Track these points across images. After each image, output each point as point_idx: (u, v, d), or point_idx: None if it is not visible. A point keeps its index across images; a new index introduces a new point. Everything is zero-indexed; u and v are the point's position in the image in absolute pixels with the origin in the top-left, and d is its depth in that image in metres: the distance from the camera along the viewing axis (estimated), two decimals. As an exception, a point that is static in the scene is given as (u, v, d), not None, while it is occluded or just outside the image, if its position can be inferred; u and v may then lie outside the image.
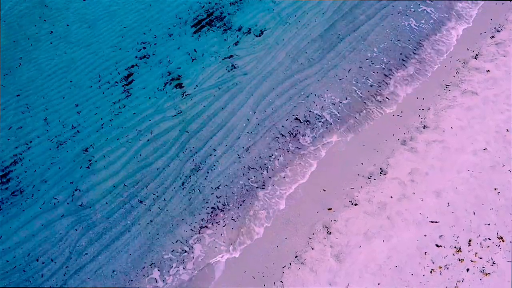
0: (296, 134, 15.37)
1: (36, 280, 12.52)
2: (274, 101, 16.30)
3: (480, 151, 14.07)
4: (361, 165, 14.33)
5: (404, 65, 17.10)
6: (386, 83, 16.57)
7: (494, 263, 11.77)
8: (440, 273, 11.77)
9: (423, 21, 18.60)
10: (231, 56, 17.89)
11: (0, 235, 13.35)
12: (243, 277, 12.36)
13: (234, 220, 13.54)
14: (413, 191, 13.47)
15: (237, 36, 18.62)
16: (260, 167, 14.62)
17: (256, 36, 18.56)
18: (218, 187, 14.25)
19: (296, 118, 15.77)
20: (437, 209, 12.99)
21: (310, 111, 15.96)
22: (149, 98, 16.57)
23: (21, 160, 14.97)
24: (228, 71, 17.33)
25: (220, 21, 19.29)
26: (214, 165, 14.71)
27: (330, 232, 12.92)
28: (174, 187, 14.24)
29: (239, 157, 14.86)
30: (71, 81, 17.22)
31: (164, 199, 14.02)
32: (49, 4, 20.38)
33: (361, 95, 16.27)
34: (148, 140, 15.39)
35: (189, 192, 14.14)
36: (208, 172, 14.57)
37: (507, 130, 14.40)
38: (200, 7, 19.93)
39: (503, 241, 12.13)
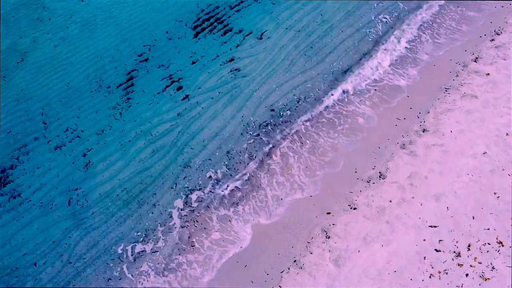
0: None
1: (34, 285, 12.47)
2: (273, 104, 16.27)
3: (480, 154, 14.01)
4: (360, 168, 14.28)
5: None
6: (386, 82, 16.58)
7: (493, 268, 11.70)
8: (439, 278, 11.71)
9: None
10: (231, 59, 17.88)
11: (-2, 239, 13.37)
12: (242, 282, 12.30)
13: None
14: (412, 195, 13.42)
15: (237, 38, 18.62)
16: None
17: (256, 38, 18.55)
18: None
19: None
20: (436, 213, 12.92)
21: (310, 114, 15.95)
22: (149, 101, 16.55)
23: (19, 163, 14.96)
24: (228, 74, 17.32)
25: (220, 23, 19.29)
26: (212, 168, 14.68)
27: (329, 237, 12.87)
28: (173, 190, 14.21)
29: (236, 159, 14.84)
30: (68, 84, 17.20)
31: (163, 202, 13.98)
32: (48, 6, 20.38)
33: (362, 96, 16.27)
34: (147, 142, 15.37)
35: (187, 195, 14.11)
36: (206, 175, 14.53)
37: (507, 134, 14.34)
38: (200, 10, 19.93)
39: (502, 245, 12.07)
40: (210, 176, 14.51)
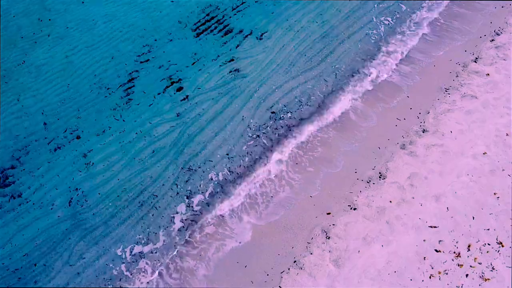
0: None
1: (34, 285, 12.49)
2: (273, 105, 16.28)
3: (480, 155, 14.02)
4: (360, 169, 14.28)
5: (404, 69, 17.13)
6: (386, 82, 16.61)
7: (493, 269, 11.71)
8: (439, 279, 11.71)
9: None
10: (232, 59, 17.88)
11: (-2, 239, 13.38)
12: (242, 282, 12.31)
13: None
14: (412, 195, 13.42)
15: (238, 39, 18.63)
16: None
17: (257, 39, 18.56)
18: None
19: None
20: (436, 214, 12.93)
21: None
22: (149, 101, 16.57)
23: (19, 164, 14.97)
24: (228, 74, 17.33)
25: (221, 24, 19.30)
26: (212, 169, 14.69)
27: (329, 237, 12.87)
28: (173, 191, 14.22)
29: (235, 161, 14.85)
30: (68, 84, 17.21)
31: (163, 202, 13.99)
32: (48, 6, 20.41)
33: (361, 96, 16.31)
34: (147, 143, 15.37)
35: (188, 196, 14.12)
36: (205, 176, 14.54)
37: (507, 134, 14.35)
38: (201, 10, 19.94)
39: (502, 246, 12.08)
40: (212, 178, 14.51)
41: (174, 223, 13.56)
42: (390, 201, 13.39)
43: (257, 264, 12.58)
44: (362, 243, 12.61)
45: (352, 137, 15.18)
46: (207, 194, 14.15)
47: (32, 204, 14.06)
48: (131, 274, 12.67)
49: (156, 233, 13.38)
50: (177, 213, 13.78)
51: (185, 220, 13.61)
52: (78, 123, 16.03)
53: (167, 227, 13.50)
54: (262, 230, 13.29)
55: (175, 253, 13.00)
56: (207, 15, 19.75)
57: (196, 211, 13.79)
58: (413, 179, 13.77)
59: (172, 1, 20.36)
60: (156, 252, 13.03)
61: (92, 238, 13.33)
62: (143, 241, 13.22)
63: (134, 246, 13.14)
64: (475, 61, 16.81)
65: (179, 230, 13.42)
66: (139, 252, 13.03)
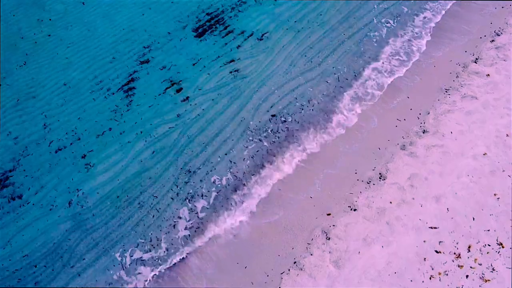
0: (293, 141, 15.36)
1: (34, 286, 12.48)
2: (273, 105, 16.28)
3: (480, 156, 14.01)
4: (360, 170, 14.28)
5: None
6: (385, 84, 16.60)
7: (493, 270, 11.70)
8: (440, 280, 11.71)
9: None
10: (232, 60, 17.88)
11: (-2, 240, 13.39)
12: (242, 282, 12.31)
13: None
14: (412, 196, 13.42)
15: (238, 40, 18.63)
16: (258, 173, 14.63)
17: (257, 39, 18.56)
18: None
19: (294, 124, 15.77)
20: (436, 215, 12.93)
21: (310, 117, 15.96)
22: (150, 102, 16.57)
23: (19, 165, 14.97)
24: (228, 75, 17.33)
25: (221, 25, 19.30)
26: (212, 171, 14.69)
27: (329, 238, 12.87)
28: (173, 192, 14.21)
29: (236, 164, 14.85)
30: (69, 86, 17.22)
31: (163, 204, 13.99)
32: (48, 7, 20.42)
33: (362, 98, 16.30)
34: (147, 144, 15.38)
35: (188, 199, 14.12)
36: (205, 177, 14.54)
37: (507, 135, 14.34)
38: (201, 11, 19.94)
39: (503, 247, 12.07)
40: (214, 182, 14.47)
41: (179, 230, 13.48)
42: (390, 202, 13.39)
43: (257, 265, 12.58)
44: (362, 244, 12.61)
45: (352, 138, 15.18)
46: (211, 200, 14.07)
47: (32, 205, 14.06)
48: (130, 275, 12.66)
49: (158, 238, 13.33)
50: (180, 218, 13.74)
51: (190, 227, 13.53)
52: (78, 124, 16.03)
53: (168, 231, 13.45)
54: (262, 230, 13.29)
55: (177, 259, 12.98)
56: (208, 15, 19.76)
57: (201, 218, 13.72)
58: (413, 180, 13.77)
59: (173, 2, 20.39)
60: (158, 259, 12.98)
61: (92, 239, 13.33)
62: (146, 247, 13.14)
63: (135, 249, 13.11)
64: (475, 62, 16.81)
65: (184, 236, 13.36)
66: (139, 252, 13.01)
